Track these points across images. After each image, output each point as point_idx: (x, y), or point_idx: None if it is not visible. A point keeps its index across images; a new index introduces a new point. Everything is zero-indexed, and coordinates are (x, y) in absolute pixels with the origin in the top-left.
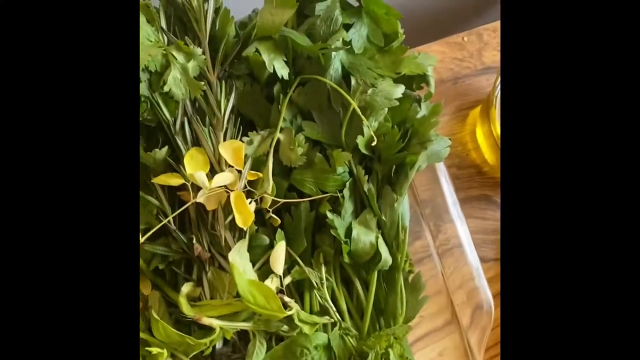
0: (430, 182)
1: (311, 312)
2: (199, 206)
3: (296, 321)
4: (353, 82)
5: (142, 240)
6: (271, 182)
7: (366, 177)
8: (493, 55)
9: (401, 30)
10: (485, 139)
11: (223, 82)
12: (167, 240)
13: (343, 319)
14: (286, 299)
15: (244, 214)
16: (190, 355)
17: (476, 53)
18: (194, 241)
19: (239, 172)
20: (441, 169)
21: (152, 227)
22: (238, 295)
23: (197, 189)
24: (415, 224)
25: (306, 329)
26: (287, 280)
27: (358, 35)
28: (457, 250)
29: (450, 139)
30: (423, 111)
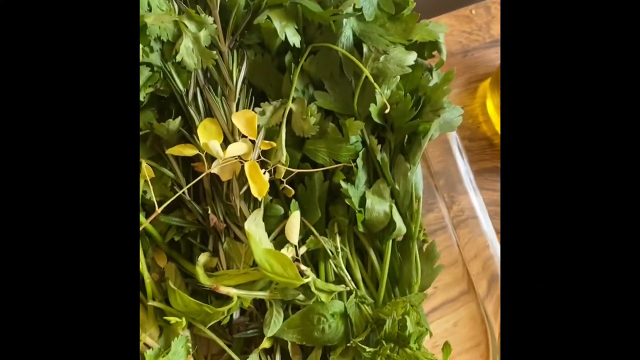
0: (443, 154)
1: (326, 281)
2: (214, 177)
3: (313, 289)
4: (365, 49)
5: (157, 211)
6: (285, 152)
7: (379, 146)
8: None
9: None
10: (495, 111)
11: (234, 52)
12: (182, 212)
13: (358, 288)
14: (302, 267)
15: (259, 183)
16: (208, 325)
17: (484, 26)
18: (209, 212)
19: (252, 142)
20: (454, 140)
21: (167, 199)
22: (254, 265)
23: (211, 159)
24: (429, 196)
25: (323, 297)
26: (302, 250)
27: (369, 2)
28: (472, 220)
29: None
30: (435, 79)
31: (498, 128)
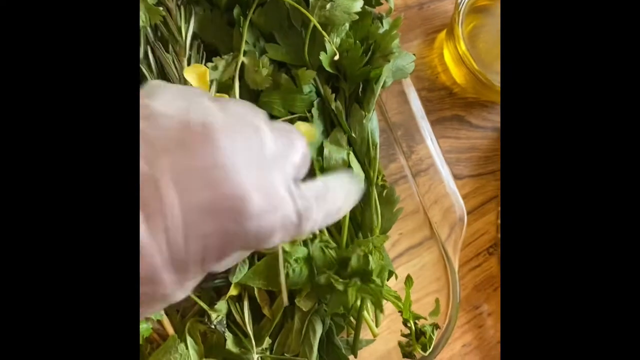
0: (401, 105)
1: None
2: None
3: None
4: None
5: None
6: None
7: (333, 95)
8: None
9: None
10: (452, 59)
11: (182, 8)
12: None
13: (322, 233)
14: None
15: None
16: None
17: None
18: None
19: None
20: (410, 89)
21: None
22: None
23: None
24: (389, 147)
25: (286, 246)
26: None
27: None
28: (431, 169)
29: (416, 62)
30: (385, 27)
31: (456, 76)
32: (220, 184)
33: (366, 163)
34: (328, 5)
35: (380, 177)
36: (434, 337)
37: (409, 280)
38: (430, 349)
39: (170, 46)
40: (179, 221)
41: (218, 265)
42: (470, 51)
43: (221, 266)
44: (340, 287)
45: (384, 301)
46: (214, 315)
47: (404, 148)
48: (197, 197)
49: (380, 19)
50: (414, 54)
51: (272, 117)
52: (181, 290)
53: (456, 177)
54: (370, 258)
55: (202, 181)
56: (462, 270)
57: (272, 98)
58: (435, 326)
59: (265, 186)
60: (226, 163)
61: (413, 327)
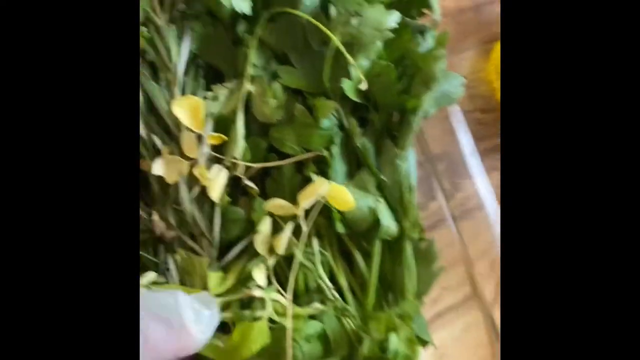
0: (444, 134)
1: (307, 291)
2: (161, 178)
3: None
4: (333, 11)
5: None
6: (241, 145)
7: (360, 130)
8: None
9: None
10: None
11: (175, 25)
12: None
13: (344, 298)
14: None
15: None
16: None
17: None
18: (154, 217)
19: (200, 136)
20: (456, 115)
21: None
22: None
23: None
24: (428, 184)
25: (297, 322)
26: (271, 260)
27: None
28: (479, 211)
29: (468, 77)
30: (428, 43)
31: None
32: None
33: (399, 212)
34: (354, 21)
35: (416, 229)
36: None
37: None
38: None
39: (159, 73)
40: None
41: None
42: None
43: None
44: None
45: None
46: None
47: (445, 185)
48: None
49: (422, 32)
50: (467, 69)
51: (283, 154)
52: None
53: None
54: (394, 338)
55: None
56: None
57: (284, 134)
58: None
59: None
60: None
61: None
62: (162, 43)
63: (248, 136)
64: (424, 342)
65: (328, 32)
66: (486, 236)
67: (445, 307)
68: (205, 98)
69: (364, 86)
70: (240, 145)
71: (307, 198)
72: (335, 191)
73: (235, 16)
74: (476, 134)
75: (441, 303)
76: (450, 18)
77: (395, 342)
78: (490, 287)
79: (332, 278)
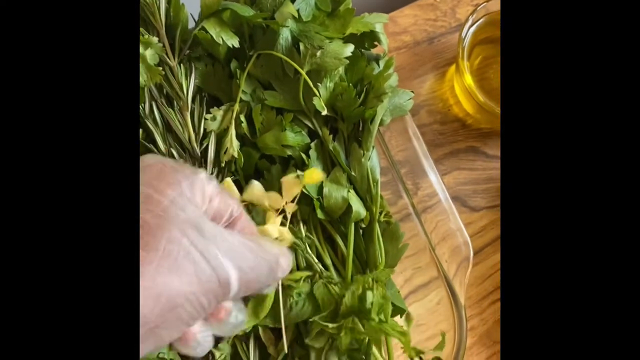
0: (404, 143)
1: (298, 268)
2: None
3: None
4: (302, 47)
5: None
6: (235, 144)
7: (331, 136)
8: (467, 11)
9: None
10: (462, 92)
11: (182, 66)
12: None
13: (329, 271)
14: None
15: None
16: None
17: (450, 11)
18: None
19: None
20: (409, 125)
21: None
22: None
23: None
24: (395, 186)
25: (288, 281)
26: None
27: (306, 3)
28: (437, 205)
29: (427, 96)
30: (381, 68)
31: (467, 108)
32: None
33: (368, 200)
34: (318, 53)
35: (383, 214)
36: None
37: (408, 317)
38: None
39: (174, 102)
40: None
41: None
42: (479, 83)
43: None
44: (332, 331)
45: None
46: (217, 354)
47: (409, 185)
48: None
49: (377, 60)
50: (426, 90)
51: (271, 158)
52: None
53: (473, 209)
54: (370, 294)
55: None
56: (483, 304)
57: (267, 140)
58: None
59: None
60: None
61: None
62: (175, 79)
63: (242, 147)
64: (400, 310)
65: (297, 66)
66: (445, 225)
67: (418, 285)
68: (206, 119)
69: (323, 111)
70: (235, 145)
71: (291, 186)
72: (308, 173)
73: (229, 56)
74: (435, 142)
75: (415, 281)
76: (408, 49)
77: (371, 295)
78: (452, 268)
79: (319, 257)
